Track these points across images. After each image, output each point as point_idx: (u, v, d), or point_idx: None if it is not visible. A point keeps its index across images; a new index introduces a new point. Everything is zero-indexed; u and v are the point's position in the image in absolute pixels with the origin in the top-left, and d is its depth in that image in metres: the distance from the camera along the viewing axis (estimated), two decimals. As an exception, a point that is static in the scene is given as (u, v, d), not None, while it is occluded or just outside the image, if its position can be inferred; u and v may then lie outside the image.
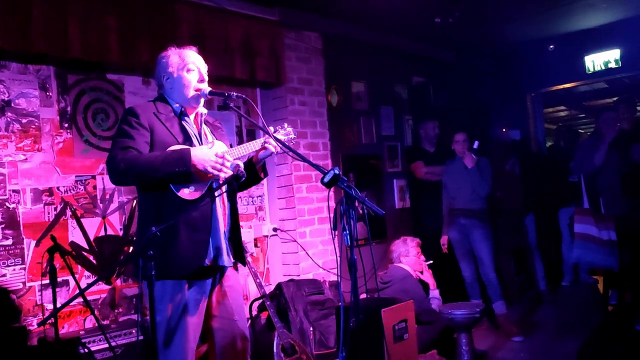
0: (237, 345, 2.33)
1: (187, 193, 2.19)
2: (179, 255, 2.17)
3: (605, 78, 6.18)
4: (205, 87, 2.34)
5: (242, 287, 2.54)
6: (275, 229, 4.54)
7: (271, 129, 2.36)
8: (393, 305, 3.15)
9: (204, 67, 2.38)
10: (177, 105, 2.35)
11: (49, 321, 3.07)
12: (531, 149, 6.43)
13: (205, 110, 2.42)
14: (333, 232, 2.06)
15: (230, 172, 2.21)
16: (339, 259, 2.17)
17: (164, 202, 2.19)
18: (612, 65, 5.80)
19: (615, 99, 5.22)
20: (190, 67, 2.33)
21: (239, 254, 2.39)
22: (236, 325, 2.34)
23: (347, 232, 2.05)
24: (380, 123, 5.48)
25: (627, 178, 4.10)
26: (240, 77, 4.13)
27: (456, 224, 4.73)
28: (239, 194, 4.41)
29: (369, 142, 5.32)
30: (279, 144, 2.33)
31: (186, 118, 2.36)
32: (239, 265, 2.48)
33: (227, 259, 2.31)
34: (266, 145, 2.33)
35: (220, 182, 2.25)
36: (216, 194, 2.24)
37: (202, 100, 2.37)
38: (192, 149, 2.19)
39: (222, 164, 2.19)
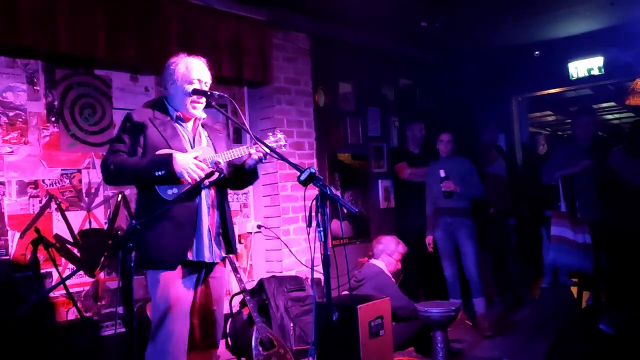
0: (210, 332, 2.53)
1: (170, 194, 2.35)
2: (165, 248, 2.33)
3: (588, 84, 6.30)
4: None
5: (226, 282, 2.73)
6: (259, 226, 4.61)
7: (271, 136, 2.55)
8: (369, 302, 3.22)
9: (207, 79, 2.52)
10: (175, 110, 2.50)
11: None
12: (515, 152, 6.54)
13: (204, 115, 2.55)
14: (308, 228, 2.15)
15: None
16: (312, 255, 2.25)
17: (152, 201, 2.35)
18: (595, 72, 5.90)
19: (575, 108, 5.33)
20: (193, 81, 2.46)
21: (229, 246, 2.54)
22: (213, 313, 2.52)
23: (322, 229, 2.14)
24: (367, 124, 5.55)
25: (602, 183, 4.21)
26: (228, 75, 4.19)
27: (442, 222, 4.79)
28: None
29: (355, 142, 5.39)
30: (259, 142, 2.42)
31: (181, 122, 2.50)
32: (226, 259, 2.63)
33: (209, 255, 2.43)
34: (252, 155, 2.48)
35: (196, 180, 2.35)
36: (188, 192, 2.36)
37: (201, 106, 2.49)
38: (175, 153, 2.32)
39: (198, 174, 2.32)
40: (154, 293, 2.37)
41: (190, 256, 2.38)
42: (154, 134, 2.39)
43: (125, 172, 2.31)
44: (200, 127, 2.56)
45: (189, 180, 2.31)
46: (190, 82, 2.44)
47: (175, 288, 2.36)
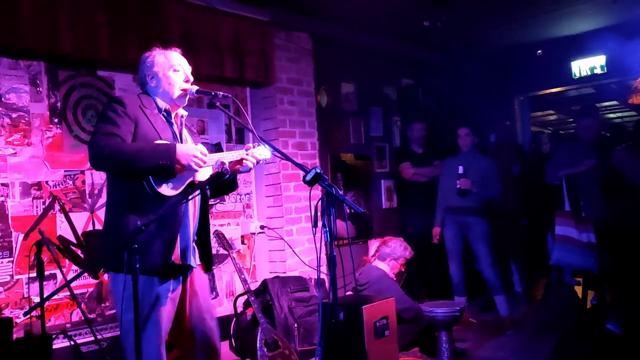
0: (211, 341, 2.40)
1: (165, 189, 2.20)
2: (148, 251, 2.16)
3: (591, 83, 6.28)
4: (192, 87, 2.39)
5: (209, 286, 2.59)
6: (262, 227, 4.60)
7: (250, 145, 2.41)
8: (374, 302, 3.21)
9: (188, 69, 2.43)
10: (162, 103, 2.38)
11: (36, 314, 3.12)
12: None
13: (185, 113, 2.46)
14: (313, 229, 2.12)
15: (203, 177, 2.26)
16: (318, 255, 2.24)
17: (140, 195, 2.18)
18: (598, 71, 5.90)
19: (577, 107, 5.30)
20: (176, 67, 2.37)
21: (207, 257, 2.40)
22: (207, 323, 2.39)
23: (327, 229, 2.13)
24: (369, 124, 5.55)
25: (606, 182, 4.20)
26: (230, 76, 4.18)
27: (452, 221, 4.76)
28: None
29: (357, 142, 5.38)
30: (266, 144, 2.38)
31: (168, 117, 2.40)
32: (218, 265, 2.52)
33: (193, 259, 2.34)
34: (244, 162, 2.37)
35: (200, 181, 2.29)
36: (196, 193, 2.27)
37: (186, 100, 2.41)
38: (178, 144, 2.22)
39: (203, 160, 2.23)
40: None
41: (174, 259, 2.25)
42: (145, 124, 2.26)
43: (123, 158, 2.10)
44: (183, 126, 2.45)
45: (197, 169, 2.21)
46: (174, 70, 2.34)
47: (157, 292, 2.22)
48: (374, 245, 4.58)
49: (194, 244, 2.36)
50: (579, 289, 5.10)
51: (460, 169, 4.56)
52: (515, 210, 5.62)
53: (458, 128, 4.83)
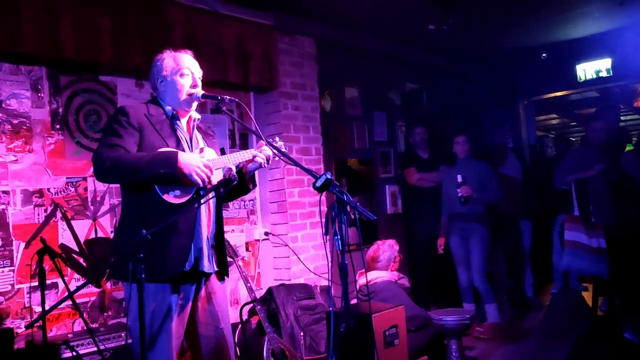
0: (221, 352, 2.32)
1: (172, 197, 2.17)
2: (160, 259, 2.14)
3: (596, 87, 6.24)
4: (198, 91, 2.34)
5: (227, 293, 2.51)
6: (266, 233, 4.53)
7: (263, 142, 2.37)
8: (384, 311, 3.15)
9: (198, 72, 2.37)
10: (170, 108, 2.34)
11: (37, 324, 3.05)
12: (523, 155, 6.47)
13: (198, 116, 2.42)
14: (324, 236, 2.07)
15: (213, 181, 2.21)
16: (330, 263, 2.18)
17: (148, 204, 2.16)
18: (603, 74, 5.86)
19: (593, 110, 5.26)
20: (184, 71, 2.32)
21: (222, 263, 2.36)
22: (221, 332, 2.33)
23: (339, 237, 2.06)
24: (373, 129, 5.49)
25: (615, 186, 4.15)
26: (234, 80, 4.13)
27: (457, 227, 4.75)
28: (231, 198, 4.41)
29: (361, 147, 5.33)
30: (272, 149, 2.34)
31: (178, 122, 2.35)
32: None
33: (208, 265, 2.28)
34: (255, 158, 2.34)
35: (209, 186, 2.23)
36: (203, 200, 2.22)
37: (195, 104, 2.36)
38: (180, 152, 2.16)
39: (207, 175, 2.18)
40: (146, 308, 2.09)
41: (188, 266, 2.21)
42: (151, 132, 2.23)
43: (123, 169, 2.09)
44: (195, 129, 2.41)
45: (198, 181, 2.15)
46: (182, 74, 2.30)
47: (170, 300, 2.19)
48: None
49: (212, 250, 2.32)
50: (586, 295, 5.03)
51: (459, 178, 4.56)
52: (518, 213, 5.55)
53: (454, 136, 4.83)
